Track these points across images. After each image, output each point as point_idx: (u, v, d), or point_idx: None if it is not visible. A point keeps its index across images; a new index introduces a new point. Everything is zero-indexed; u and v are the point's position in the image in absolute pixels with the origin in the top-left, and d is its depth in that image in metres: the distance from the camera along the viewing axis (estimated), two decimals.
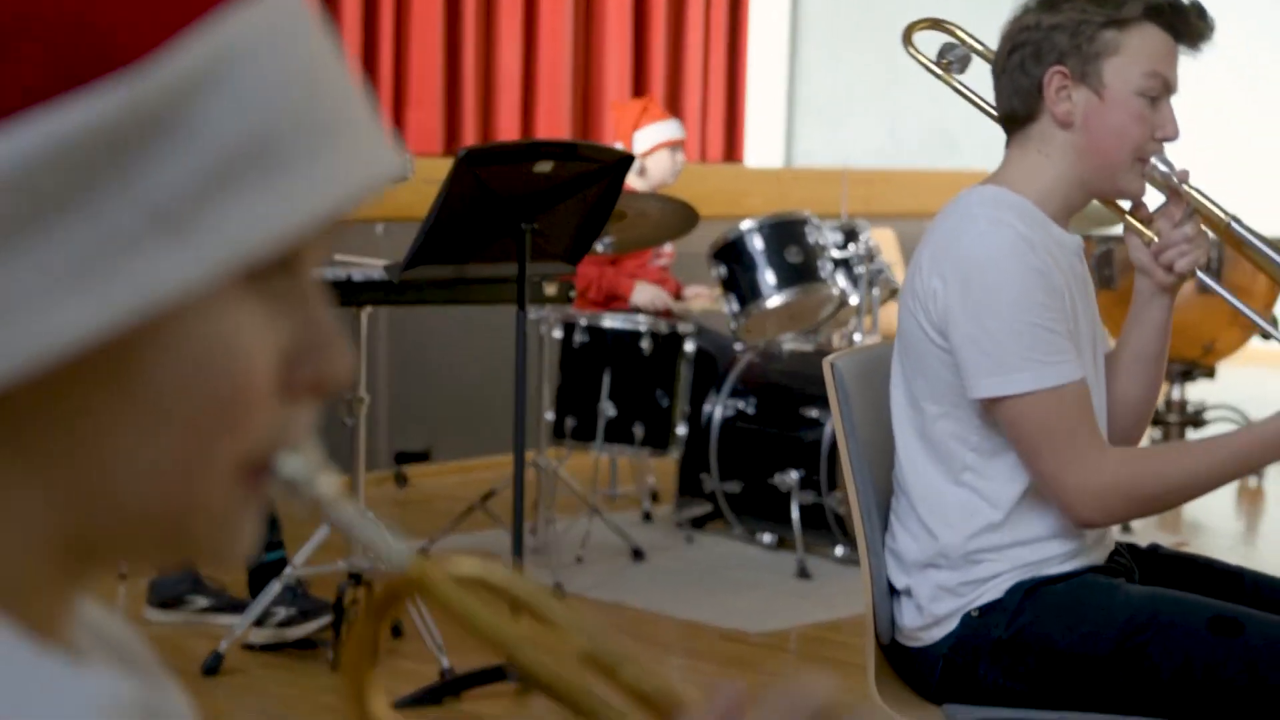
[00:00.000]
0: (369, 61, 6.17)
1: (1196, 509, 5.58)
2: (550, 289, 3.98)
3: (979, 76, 2.32)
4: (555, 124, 6.70)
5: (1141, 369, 2.26)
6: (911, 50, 2.50)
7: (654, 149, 5.09)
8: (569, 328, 4.81)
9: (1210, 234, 2.24)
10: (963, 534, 2.16)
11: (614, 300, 5.10)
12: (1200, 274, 2.22)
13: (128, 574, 3.97)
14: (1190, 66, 2.18)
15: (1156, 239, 2.20)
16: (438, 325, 5.53)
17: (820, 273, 4.92)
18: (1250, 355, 7.59)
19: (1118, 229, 5.04)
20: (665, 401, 4.77)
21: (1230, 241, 2.22)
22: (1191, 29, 2.14)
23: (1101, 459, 2.07)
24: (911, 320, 2.16)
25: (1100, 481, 2.06)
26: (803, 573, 4.50)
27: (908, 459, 2.21)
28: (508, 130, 6.59)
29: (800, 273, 4.91)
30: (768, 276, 4.91)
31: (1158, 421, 6.00)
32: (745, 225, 4.95)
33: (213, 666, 3.57)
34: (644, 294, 5.10)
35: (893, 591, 2.24)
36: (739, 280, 4.94)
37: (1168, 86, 2.14)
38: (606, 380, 4.75)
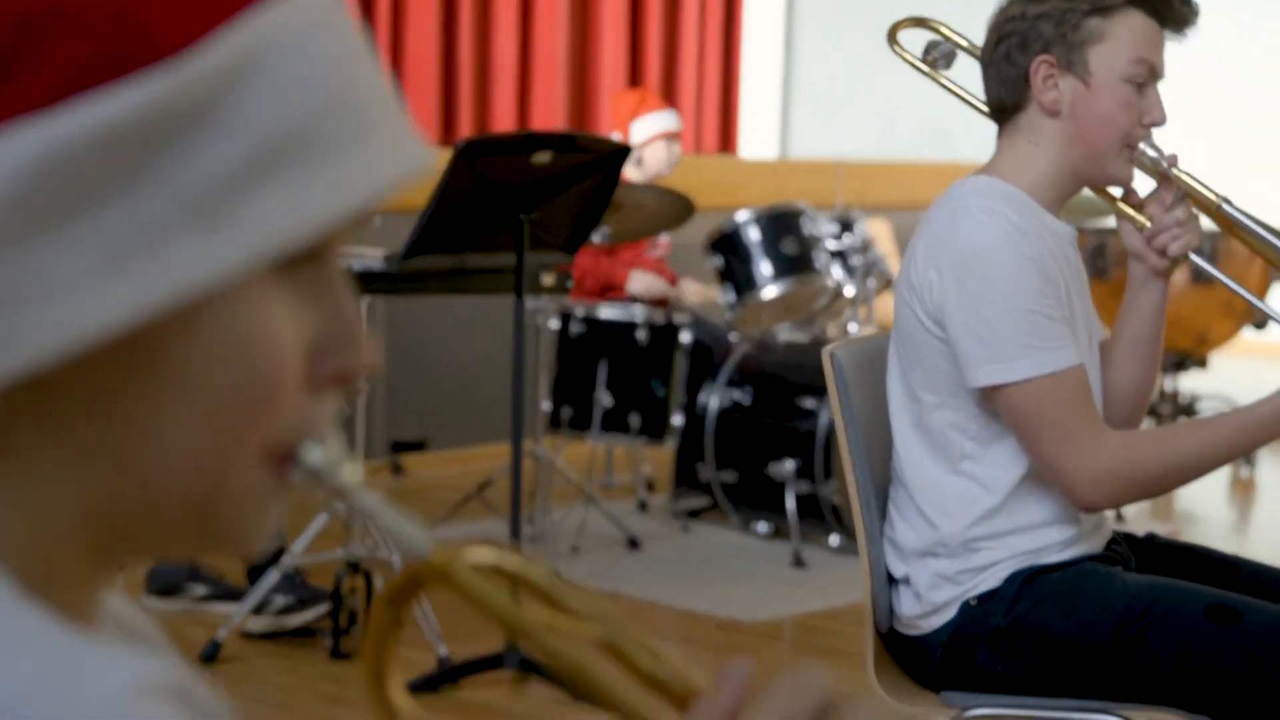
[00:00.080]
0: None
1: (1189, 499, 5.61)
2: (547, 279, 4.00)
3: (972, 71, 2.34)
4: (551, 114, 6.71)
5: (1138, 354, 2.27)
6: (897, 49, 2.52)
7: (650, 140, 5.10)
8: (565, 318, 4.82)
9: (1203, 220, 2.25)
10: (961, 522, 2.17)
11: (610, 290, 5.11)
12: (1194, 257, 2.24)
13: (126, 562, 3.98)
14: (1182, 55, 2.19)
15: (1149, 225, 2.21)
16: (434, 315, 5.54)
17: (816, 264, 4.94)
18: (1242, 347, 7.62)
19: (1111, 221, 5.06)
20: (661, 391, 4.78)
21: (1222, 224, 2.23)
22: (1176, 14, 2.16)
23: (1102, 442, 2.08)
24: (908, 311, 2.18)
25: (1101, 465, 2.07)
26: (798, 562, 4.52)
27: (905, 449, 2.23)
28: (503, 120, 6.60)
29: (796, 264, 4.93)
30: (763, 267, 4.93)
31: (1150, 412, 6.03)
32: (741, 216, 4.97)
33: (211, 654, 3.58)
34: (640, 282, 5.11)
35: (891, 580, 2.26)
36: (735, 271, 4.96)
37: (1154, 72, 2.15)
38: (603, 370, 4.76)
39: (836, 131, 8.11)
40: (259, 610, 3.69)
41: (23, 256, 0.58)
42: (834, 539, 4.63)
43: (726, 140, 7.68)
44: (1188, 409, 6.29)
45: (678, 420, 4.80)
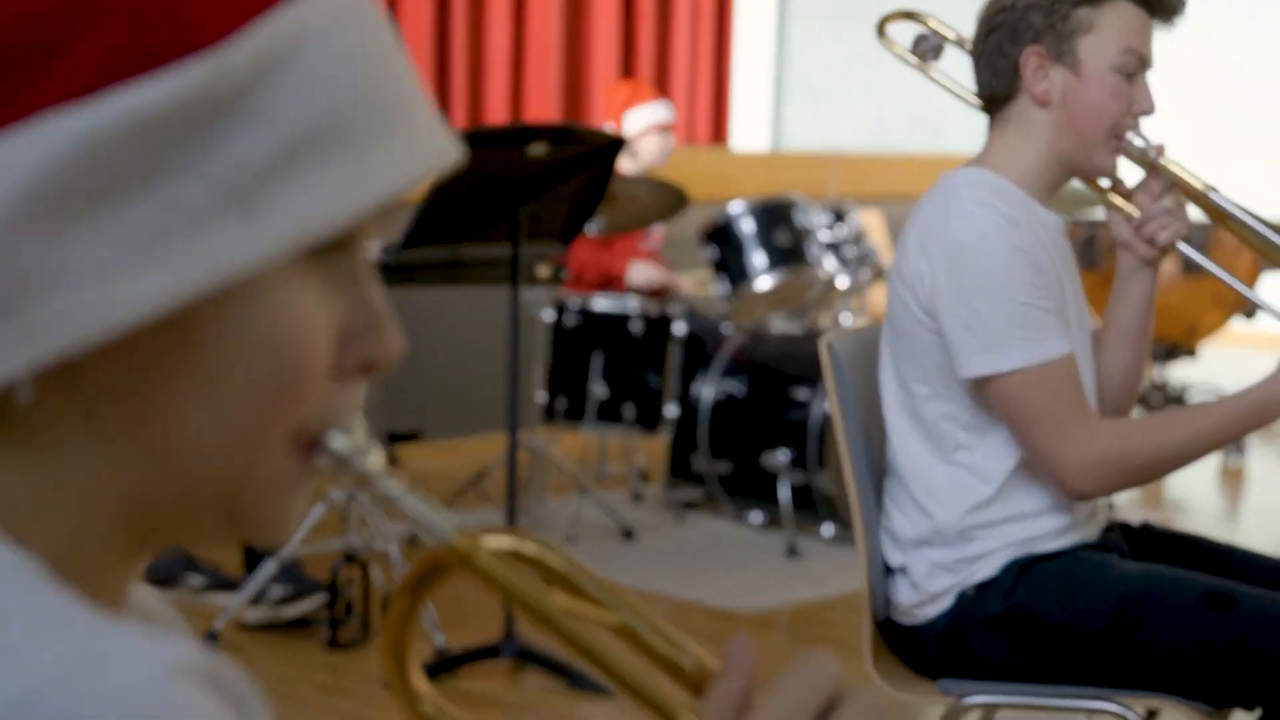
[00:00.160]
0: None
1: (1179, 487, 5.64)
2: (543, 270, 4.01)
3: (962, 64, 2.35)
4: (544, 106, 6.71)
5: (1127, 343, 2.29)
6: (886, 42, 2.54)
7: (644, 132, 5.11)
8: (560, 309, 4.84)
9: (1192, 210, 2.27)
10: (956, 512, 2.19)
11: (610, 282, 5.12)
12: (1184, 247, 2.25)
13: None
14: (1170, 45, 2.21)
15: (1137, 214, 2.23)
16: (428, 306, 5.54)
17: (809, 255, 4.95)
18: (1232, 337, 7.65)
19: (1101, 213, 5.08)
20: (655, 382, 4.80)
21: (1210, 212, 2.24)
22: (1164, 4, 2.17)
23: (1092, 431, 2.10)
24: (899, 303, 2.19)
25: (1092, 453, 2.09)
26: (792, 552, 4.54)
27: (899, 440, 2.24)
28: (496, 112, 6.60)
29: (789, 255, 4.94)
30: (757, 259, 4.94)
31: (1140, 401, 6.05)
32: (735, 208, 4.98)
33: (208, 645, 3.59)
34: (640, 273, 5.13)
35: (887, 570, 2.27)
36: (729, 263, 4.97)
37: (1143, 62, 2.17)
38: (597, 361, 4.78)
39: (828, 123, 8.12)
40: (256, 601, 3.71)
41: (60, 242, 0.58)
42: (827, 529, 4.65)
43: (718, 132, 7.69)
44: (1177, 398, 6.32)
45: (672, 411, 4.81)
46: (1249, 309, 6.08)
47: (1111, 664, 2.10)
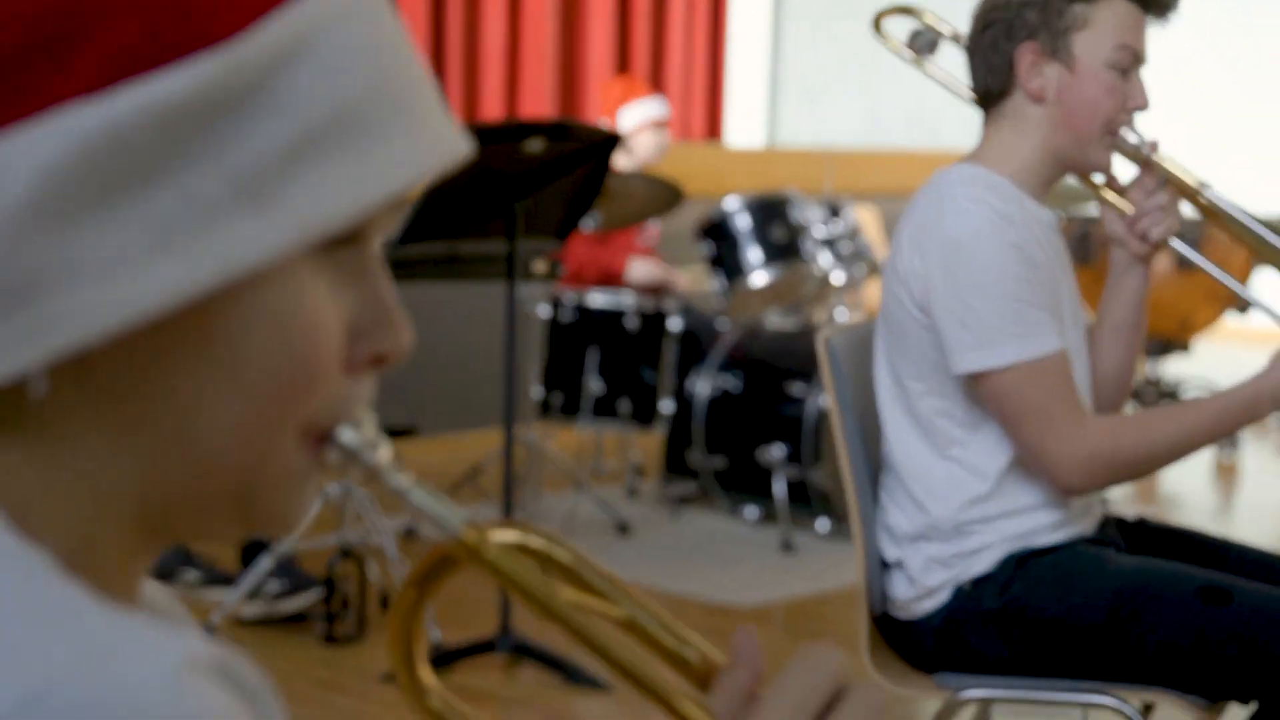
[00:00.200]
0: None
1: (1173, 483, 5.65)
2: (539, 266, 4.01)
3: (957, 59, 2.36)
4: (539, 102, 6.71)
5: (1120, 339, 2.30)
6: (881, 37, 2.55)
7: (639, 128, 5.11)
8: (556, 305, 4.84)
9: (1184, 204, 2.28)
10: (952, 506, 2.20)
11: (610, 279, 5.12)
12: (1177, 243, 2.26)
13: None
14: (1164, 41, 2.21)
15: (1131, 211, 2.24)
16: (423, 301, 5.53)
17: (804, 251, 4.96)
18: (1225, 333, 7.67)
19: (1095, 209, 5.09)
20: (651, 378, 4.81)
21: (1202, 209, 2.25)
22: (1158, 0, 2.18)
23: (1083, 427, 2.11)
24: (894, 299, 2.20)
25: (1083, 449, 2.10)
26: (787, 547, 4.54)
27: (895, 435, 2.25)
28: (491, 108, 6.60)
29: (784, 251, 4.95)
30: (753, 255, 4.95)
31: (1134, 396, 6.07)
32: (731, 204, 4.99)
33: None
34: (640, 270, 5.14)
35: (883, 565, 2.28)
36: (724, 258, 4.98)
37: (1137, 58, 2.18)
38: (593, 357, 4.78)
39: (823, 119, 8.13)
40: (252, 596, 3.71)
41: (74, 236, 0.58)
42: (822, 524, 4.66)
43: (713, 128, 7.70)
44: (1171, 394, 6.34)
45: (667, 407, 4.82)
46: (1242, 304, 6.10)
47: (1108, 658, 2.11)
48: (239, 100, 0.60)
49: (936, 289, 2.12)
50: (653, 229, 5.33)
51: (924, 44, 2.52)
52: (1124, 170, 2.26)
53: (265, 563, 3.67)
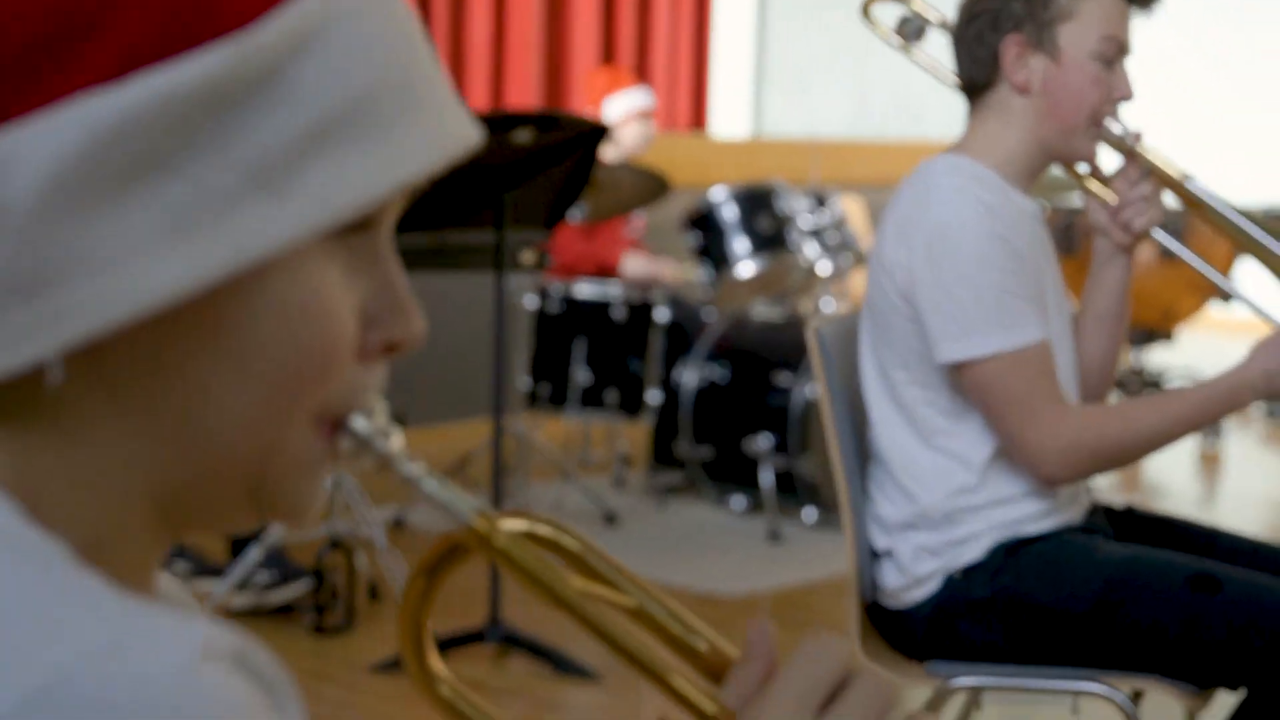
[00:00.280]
0: None
1: (1157, 472, 5.68)
2: (527, 257, 4.01)
3: (945, 47, 2.37)
4: (525, 92, 6.70)
5: (1103, 328, 2.31)
6: (870, 22, 2.55)
7: (625, 118, 5.11)
8: (543, 295, 4.85)
9: (1168, 196, 2.29)
10: (940, 495, 2.21)
11: (605, 271, 5.13)
12: (1159, 233, 2.27)
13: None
14: (1148, 32, 2.22)
15: (1114, 201, 2.25)
16: (412, 292, 5.54)
17: (790, 241, 4.97)
18: (1208, 323, 7.70)
19: (1079, 200, 5.10)
20: (638, 369, 4.81)
21: (1185, 200, 2.26)
22: None
23: (1064, 417, 2.12)
24: (878, 289, 2.21)
25: (1064, 439, 2.11)
26: (774, 537, 4.56)
27: (882, 425, 2.26)
28: (477, 98, 6.59)
29: (771, 241, 4.96)
30: (739, 245, 4.96)
31: (1117, 386, 6.09)
32: (717, 195, 4.99)
33: None
34: (634, 265, 5.14)
35: (873, 554, 2.29)
36: (711, 249, 4.99)
37: (1122, 49, 2.19)
38: (580, 348, 4.79)
39: (809, 109, 8.13)
40: (241, 587, 3.71)
41: (89, 224, 0.59)
42: (809, 514, 4.67)
43: (698, 118, 7.70)
44: (1154, 383, 6.36)
45: (654, 397, 4.82)
46: (1225, 295, 6.12)
47: (1097, 646, 2.12)
48: (251, 90, 0.61)
49: (920, 279, 2.13)
50: (638, 220, 5.34)
51: (912, 31, 2.52)
52: (1108, 161, 2.28)
53: (254, 554, 3.67)
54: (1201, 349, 7.51)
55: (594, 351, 4.79)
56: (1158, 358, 7.16)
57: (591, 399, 4.80)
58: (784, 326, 4.85)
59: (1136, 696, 2.27)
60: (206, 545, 4.00)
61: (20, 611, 0.56)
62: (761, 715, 0.70)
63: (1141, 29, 2.24)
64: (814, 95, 8.24)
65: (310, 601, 3.69)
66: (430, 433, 5.62)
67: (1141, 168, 2.23)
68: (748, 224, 4.96)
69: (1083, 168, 2.27)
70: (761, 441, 4.65)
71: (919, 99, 7.75)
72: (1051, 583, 2.15)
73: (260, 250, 0.61)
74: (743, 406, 4.74)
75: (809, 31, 8.21)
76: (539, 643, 3.50)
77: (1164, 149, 2.27)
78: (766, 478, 4.63)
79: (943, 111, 7.14)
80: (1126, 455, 2.15)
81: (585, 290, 4.83)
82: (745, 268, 4.97)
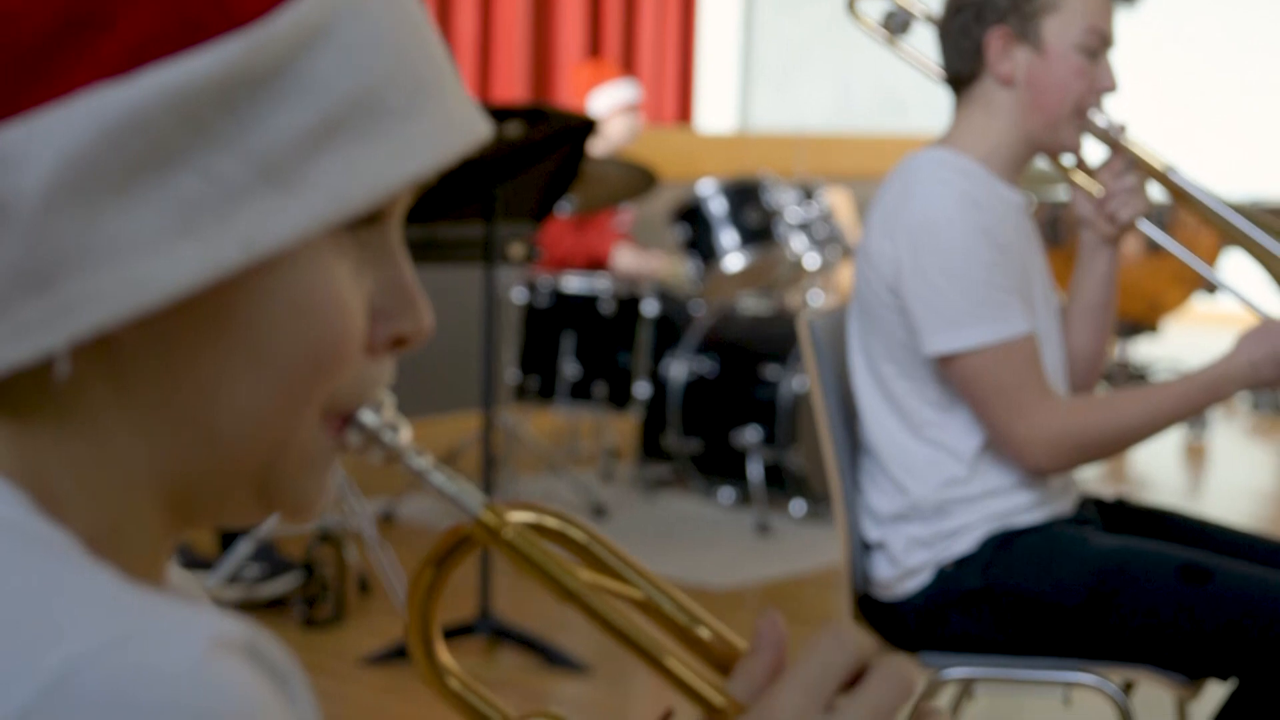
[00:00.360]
0: None
1: (1143, 464, 5.69)
2: (516, 250, 4.01)
3: (931, 41, 2.37)
4: (511, 85, 6.70)
5: (1091, 320, 2.32)
6: (855, 17, 2.56)
7: (612, 112, 5.11)
8: (532, 289, 4.85)
9: (1154, 188, 2.30)
10: (931, 486, 2.21)
11: (596, 264, 5.13)
12: (1145, 224, 2.28)
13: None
14: (1131, 24, 2.23)
15: (1100, 192, 2.25)
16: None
17: (778, 235, 4.98)
18: (1193, 315, 7.72)
19: (1065, 194, 5.13)
20: (626, 362, 4.81)
21: (1170, 190, 2.27)
22: None
23: (1050, 408, 2.13)
24: (865, 283, 2.22)
25: (1050, 430, 2.12)
26: (762, 529, 4.56)
27: (872, 417, 2.26)
28: None
29: (759, 235, 4.97)
30: (727, 238, 4.96)
31: (1103, 378, 6.11)
32: (705, 188, 4.99)
33: None
34: (627, 259, 5.14)
35: (864, 546, 2.30)
36: (699, 242, 4.99)
37: (1105, 41, 2.20)
38: (568, 341, 4.79)
39: (794, 103, 8.14)
40: (231, 580, 3.70)
41: (99, 217, 0.59)
42: (797, 506, 4.68)
43: (684, 111, 7.70)
44: (1140, 376, 6.38)
45: (642, 390, 4.83)
46: (1211, 285, 6.15)
47: (1089, 637, 2.13)
48: (262, 83, 0.61)
49: (906, 272, 2.14)
50: (626, 213, 5.34)
51: (897, 25, 2.53)
52: (1093, 153, 2.28)
53: (244, 547, 3.67)
54: (1186, 342, 7.53)
55: (582, 345, 4.79)
56: (1143, 351, 7.18)
57: (580, 392, 4.80)
58: (772, 319, 4.86)
59: (1128, 687, 2.28)
60: (196, 539, 4.00)
61: (31, 604, 0.56)
62: (771, 708, 0.68)
63: (1125, 21, 2.25)
64: (799, 89, 8.24)
65: (300, 594, 3.69)
66: (419, 425, 5.62)
67: (1126, 159, 2.24)
68: (735, 217, 4.96)
69: (1068, 159, 2.27)
70: (749, 434, 4.66)
71: (904, 92, 7.75)
72: (1043, 574, 2.15)
73: (270, 244, 0.60)
74: (731, 399, 4.75)
75: (794, 25, 8.21)
76: (529, 635, 3.50)
77: (1147, 141, 2.28)
78: (754, 470, 4.64)
79: (927, 105, 7.15)
80: (1114, 446, 2.16)
81: (574, 284, 4.83)
82: (733, 261, 4.97)
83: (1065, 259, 4.45)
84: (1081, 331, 2.32)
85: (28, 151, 0.58)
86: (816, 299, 4.98)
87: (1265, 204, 6.01)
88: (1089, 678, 2.15)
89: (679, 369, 4.84)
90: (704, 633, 0.77)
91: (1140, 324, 6.20)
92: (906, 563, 2.23)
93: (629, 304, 4.82)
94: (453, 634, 3.52)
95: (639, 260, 5.15)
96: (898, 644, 2.26)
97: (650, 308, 4.83)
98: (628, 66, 7.19)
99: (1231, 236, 2.23)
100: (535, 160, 3.53)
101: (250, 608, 3.74)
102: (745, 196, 4.99)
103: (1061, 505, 2.26)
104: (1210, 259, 5.58)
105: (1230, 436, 6.25)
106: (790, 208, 5.02)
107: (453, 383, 5.61)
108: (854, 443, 2.33)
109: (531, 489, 4.79)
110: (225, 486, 0.67)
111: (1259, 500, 5.46)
